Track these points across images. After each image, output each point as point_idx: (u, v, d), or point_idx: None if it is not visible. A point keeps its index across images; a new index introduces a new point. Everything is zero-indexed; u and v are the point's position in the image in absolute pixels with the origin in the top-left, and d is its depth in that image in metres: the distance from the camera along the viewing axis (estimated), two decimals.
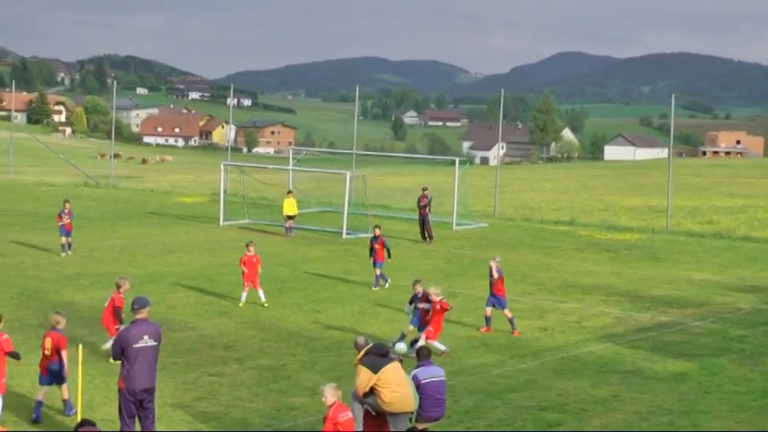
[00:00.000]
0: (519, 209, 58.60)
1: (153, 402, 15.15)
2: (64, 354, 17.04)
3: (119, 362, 15.04)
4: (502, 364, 21.53)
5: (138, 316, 15.00)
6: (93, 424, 11.55)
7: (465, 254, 38.87)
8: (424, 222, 42.90)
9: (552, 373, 20.85)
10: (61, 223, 34.75)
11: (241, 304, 27.07)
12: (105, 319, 21.60)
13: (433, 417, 15.46)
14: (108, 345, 20.88)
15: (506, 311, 24.90)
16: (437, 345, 21.79)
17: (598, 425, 17.37)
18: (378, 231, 31.43)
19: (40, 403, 16.89)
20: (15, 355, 16.46)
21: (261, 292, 27.19)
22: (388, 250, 31.09)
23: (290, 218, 42.98)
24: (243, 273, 27.32)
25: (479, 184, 73.50)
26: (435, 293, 22.38)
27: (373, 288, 30.36)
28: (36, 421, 16.67)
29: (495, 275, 25.06)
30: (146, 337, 14.86)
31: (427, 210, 42.95)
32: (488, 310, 25.07)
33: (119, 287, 21.63)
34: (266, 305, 26.81)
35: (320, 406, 16.04)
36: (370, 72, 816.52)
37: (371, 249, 30.93)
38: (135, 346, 14.73)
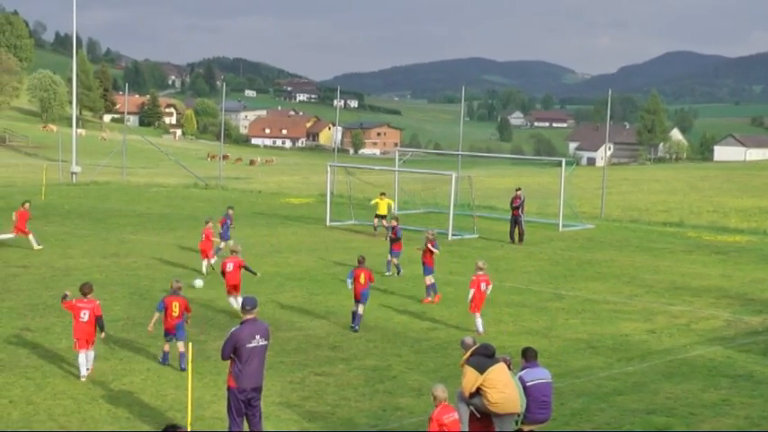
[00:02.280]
0: (626, 210, 57.85)
1: (260, 401, 15.36)
2: (189, 315, 20.62)
3: (227, 361, 15.25)
4: (609, 367, 21.31)
5: (249, 316, 15.17)
6: (179, 427, 11.75)
7: (572, 255, 38.52)
8: (516, 223, 42.55)
9: (660, 377, 20.57)
10: (224, 227, 35.11)
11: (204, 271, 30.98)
12: (205, 247, 31.27)
13: (538, 419, 15.38)
14: (198, 283, 27.14)
15: (427, 279, 28.12)
16: (479, 321, 24.19)
17: (707, 429, 17.08)
18: (394, 223, 33.72)
19: (167, 353, 20.42)
20: (101, 324, 19.49)
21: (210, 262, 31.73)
22: (397, 240, 32.82)
23: (379, 217, 43.09)
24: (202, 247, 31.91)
25: (586, 185, 72.82)
26: (480, 268, 24.45)
27: (386, 274, 32.32)
28: (164, 363, 20.31)
29: (436, 250, 28.73)
30: (257, 337, 15.05)
31: (520, 211, 42.53)
32: (430, 279, 28.12)
33: (207, 222, 31.71)
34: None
35: (426, 407, 16.11)
36: (476, 73, 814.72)
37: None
38: (248, 345, 14.91)
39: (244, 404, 15.02)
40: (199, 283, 27.12)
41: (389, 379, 19.95)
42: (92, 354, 19.42)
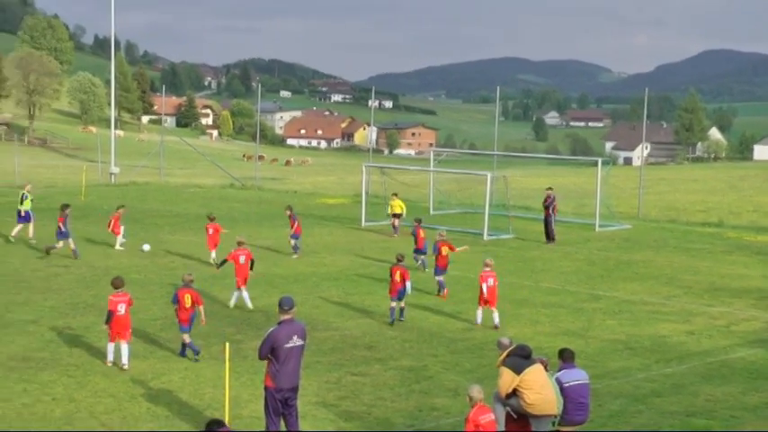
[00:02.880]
0: (664, 210, 57.49)
1: (297, 400, 15.42)
2: (201, 308, 21.20)
3: (264, 361, 15.31)
4: (647, 368, 21.20)
5: (286, 316, 15.21)
6: (223, 424, 11.83)
7: (609, 256, 38.35)
8: (546, 223, 42.41)
9: (700, 379, 20.43)
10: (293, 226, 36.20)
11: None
12: (213, 241, 33.42)
13: (576, 420, 15.33)
14: (146, 247, 35.53)
15: (441, 277, 29.28)
16: (479, 313, 25.21)
17: None
18: (416, 224, 34.96)
19: (191, 344, 21.03)
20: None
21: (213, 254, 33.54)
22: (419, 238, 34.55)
23: (396, 216, 43.08)
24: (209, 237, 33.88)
25: (623, 184, 72.39)
26: (487, 264, 25.40)
27: (418, 266, 33.84)
28: (197, 353, 20.94)
29: (447, 252, 29.51)
30: (295, 338, 15.11)
31: (550, 210, 42.33)
32: (441, 278, 29.27)
33: (212, 219, 33.98)
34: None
35: (462, 407, 16.09)
36: (512, 72, 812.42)
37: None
38: (286, 346, 14.97)
39: (281, 403, 15.09)
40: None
41: (425, 379, 19.96)
42: (125, 347, 20.09)
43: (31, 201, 38.33)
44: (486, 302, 25.00)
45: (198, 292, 21.46)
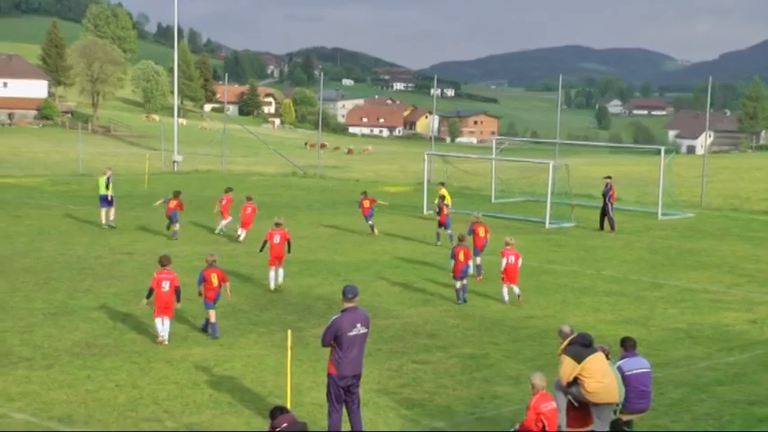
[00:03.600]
0: (727, 198, 56.86)
1: (359, 388, 15.52)
2: (228, 285, 22.29)
3: (326, 348, 15.42)
4: (708, 357, 21.05)
5: (350, 304, 15.24)
6: (287, 410, 11.97)
7: (671, 244, 38.04)
8: (603, 212, 42.16)
9: (762, 367, 20.25)
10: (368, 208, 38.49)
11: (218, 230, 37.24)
12: (224, 210, 36.82)
13: (637, 409, 15.30)
14: (222, 225, 37.33)
15: (478, 259, 29.69)
16: (505, 291, 26.12)
17: None
18: (440, 200, 36.92)
19: (215, 324, 21.74)
20: (179, 295, 21.22)
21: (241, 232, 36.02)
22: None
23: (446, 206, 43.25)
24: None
25: (685, 173, 71.62)
26: (508, 243, 26.57)
27: (437, 243, 35.94)
28: (215, 337, 21.53)
29: (484, 234, 30.04)
30: (358, 325, 15.17)
31: (606, 199, 42.02)
32: (478, 259, 29.64)
33: (250, 199, 35.95)
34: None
35: (524, 395, 16.12)
36: (574, 61, 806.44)
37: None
38: (349, 334, 15.03)
39: (343, 391, 15.17)
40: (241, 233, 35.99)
41: (487, 367, 20.00)
42: (168, 322, 21.11)
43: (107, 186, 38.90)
44: (509, 280, 26.05)
45: (223, 271, 22.36)
